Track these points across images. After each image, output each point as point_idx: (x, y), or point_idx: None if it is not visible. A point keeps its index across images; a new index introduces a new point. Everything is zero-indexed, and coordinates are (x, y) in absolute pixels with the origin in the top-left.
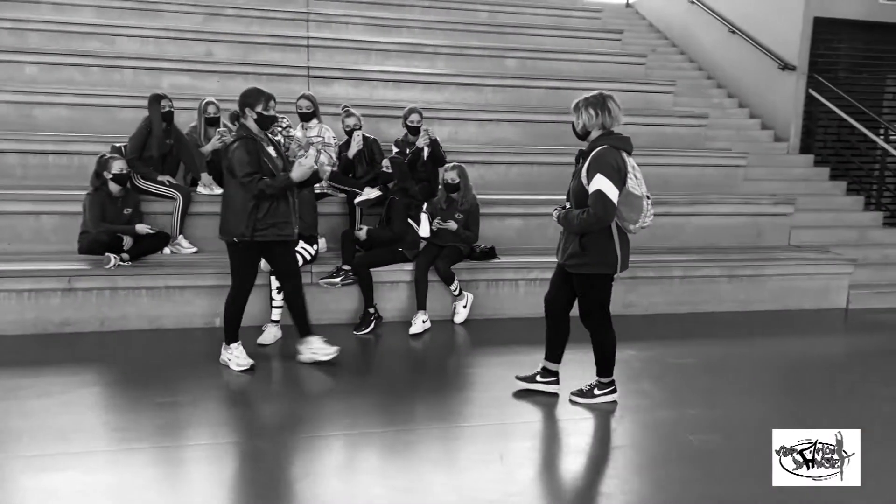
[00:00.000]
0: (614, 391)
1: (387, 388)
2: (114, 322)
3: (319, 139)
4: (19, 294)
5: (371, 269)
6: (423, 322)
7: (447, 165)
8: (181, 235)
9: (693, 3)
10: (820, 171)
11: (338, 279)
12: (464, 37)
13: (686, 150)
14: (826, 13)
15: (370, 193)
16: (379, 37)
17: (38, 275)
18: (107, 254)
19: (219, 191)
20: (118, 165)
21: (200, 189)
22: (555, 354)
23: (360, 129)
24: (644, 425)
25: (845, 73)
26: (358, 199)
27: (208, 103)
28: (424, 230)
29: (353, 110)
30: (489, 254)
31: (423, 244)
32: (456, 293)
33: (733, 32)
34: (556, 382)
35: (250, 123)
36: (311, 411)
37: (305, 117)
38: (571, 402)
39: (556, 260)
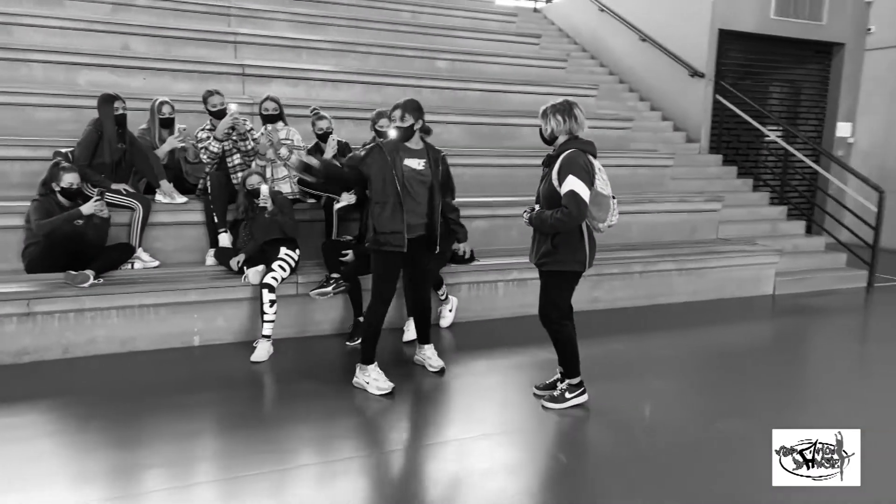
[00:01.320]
0: (584, 391)
1: (425, 399)
2: (79, 347)
3: (289, 141)
4: None
5: (359, 277)
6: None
7: None
8: (140, 248)
9: (603, 10)
10: (729, 169)
11: (329, 288)
12: (392, 36)
13: (614, 151)
14: (728, 26)
15: (349, 199)
16: (307, 34)
17: None
18: (83, 271)
19: (180, 199)
20: (69, 178)
21: (159, 198)
22: (573, 368)
23: (332, 132)
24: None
25: (744, 79)
26: (338, 205)
27: (162, 103)
28: None
29: (323, 113)
30: (470, 258)
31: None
32: (443, 298)
33: (644, 40)
34: (585, 391)
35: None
36: (344, 431)
37: (271, 119)
38: (544, 408)
39: (527, 260)
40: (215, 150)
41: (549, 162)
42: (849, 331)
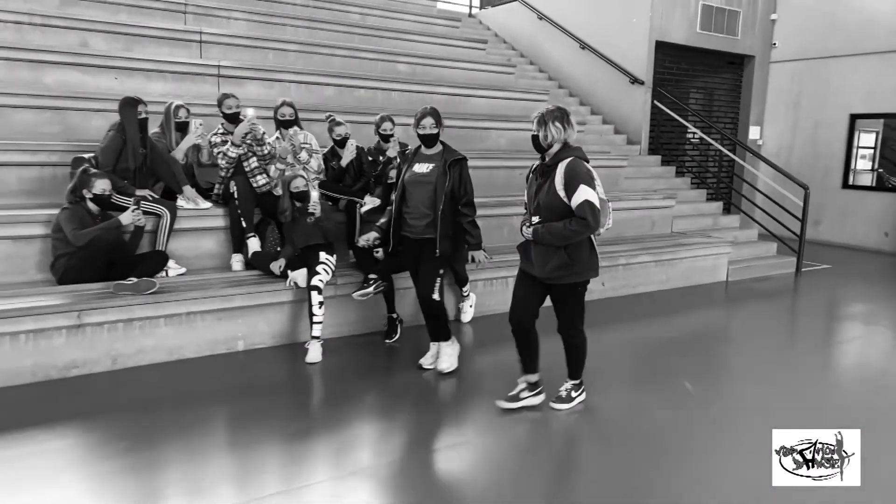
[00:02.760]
0: (584, 389)
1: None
2: (129, 358)
3: (307, 145)
4: (14, 337)
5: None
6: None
7: None
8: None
9: (542, 19)
10: (668, 169)
11: (370, 289)
12: (348, 38)
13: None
14: (663, 38)
15: (373, 202)
16: (266, 32)
17: (40, 312)
18: (145, 278)
19: (204, 204)
20: (101, 185)
21: (182, 203)
22: (534, 365)
23: (349, 137)
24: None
25: (675, 86)
26: (364, 209)
27: (178, 107)
28: None
29: (338, 118)
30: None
31: None
32: (465, 294)
33: (584, 48)
34: (542, 392)
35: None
36: (430, 420)
37: (287, 124)
38: (553, 409)
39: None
40: (233, 155)
41: (544, 171)
42: (794, 308)
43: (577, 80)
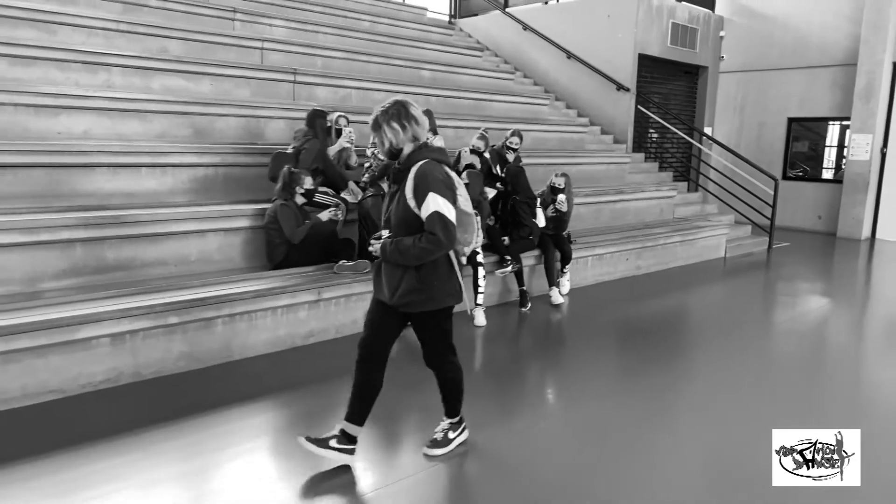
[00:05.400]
0: (465, 427)
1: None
2: (346, 327)
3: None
4: (273, 311)
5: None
6: (560, 294)
7: (557, 173)
8: None
9: (526, 30)
10: (652, 165)
11: (508, 268)
12: (376, 46)
13: (577, 152)
14: (643, 51)
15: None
16: (306, 39)
17: (293, 290)
18: (360, 260)
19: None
20: (308, 181)
21: (346, 196)
22: (361, 414)
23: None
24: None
25: (655, 93)
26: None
27: (340, 116)
28: (542, 221)
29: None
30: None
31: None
32: (565, 272)
33: (570, 58)
34: (353, 451)
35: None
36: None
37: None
38: (427, 456)
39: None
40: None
41: (397, 177)
42: (786, 274)
43: (564, 86)
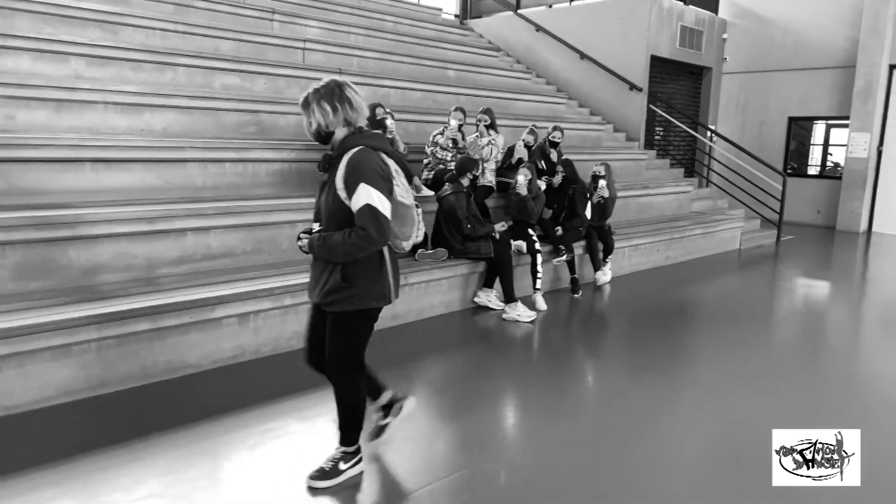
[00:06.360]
0: (360, 459)
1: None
2: (425, 311)
3: (493, 146)
4: None
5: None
6: (606, 277)
7: (598, 162)
8: None
9: (539, 31)
10: (664, 161)
11: (564, 256)
12: (407, 48)
13: (595, 149)
14: (655, 52)
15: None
16: (339, 39)
17: None
18: (439, 248)
19: (427, 192)
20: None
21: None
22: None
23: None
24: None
25: (662, 92)
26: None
27: (378, 106)
28: (589, 213)
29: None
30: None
31: None
32: (607, 261)
33: (583, 58)
34: (360, 459)
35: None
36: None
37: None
38: (311, 489)
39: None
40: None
41: (328, 165)
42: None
43: (577, 85)
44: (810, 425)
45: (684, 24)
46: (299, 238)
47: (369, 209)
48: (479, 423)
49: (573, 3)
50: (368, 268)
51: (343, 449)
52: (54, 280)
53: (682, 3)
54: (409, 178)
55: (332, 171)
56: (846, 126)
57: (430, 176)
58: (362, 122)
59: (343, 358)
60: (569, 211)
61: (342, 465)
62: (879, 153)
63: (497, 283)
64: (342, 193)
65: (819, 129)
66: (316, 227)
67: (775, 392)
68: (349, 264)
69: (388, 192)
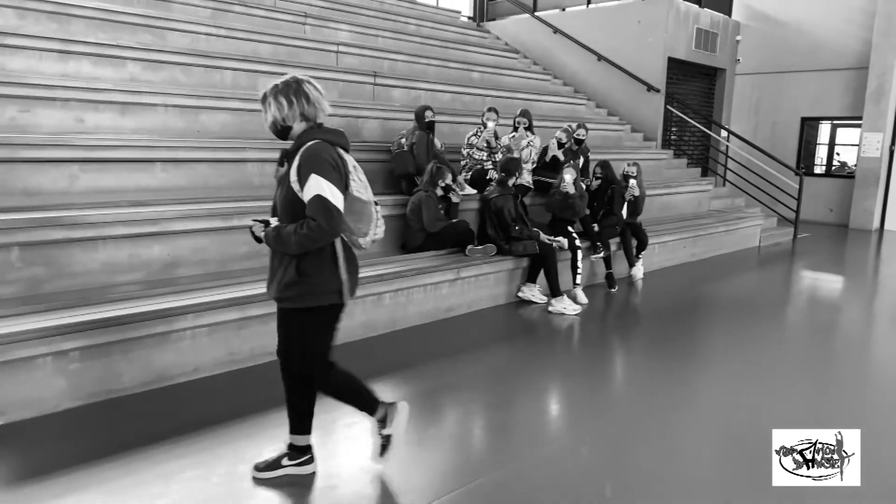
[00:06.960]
0: (308, 462)
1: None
2: (474, 303)
3: (531, 147)
4: (424, 288)
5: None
6: (641, 271)
7: (629, 162)
8: None
9: (556, 33)
10: (681, 161)
11: (601, 253)
12: (431, 50)
13: (616, 149)
14: (672, 54)
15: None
16: (371, 42)
17: (434, 270)
18: (487, 244)
19: (470, 191)
20: (449, 177)
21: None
22: (303, 424)
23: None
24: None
25: (677, 93)
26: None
27: (426, 108)
28: (624, 212)
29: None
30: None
31: None
32: (640, 257)
33: (600, 60)
34: (311, 460)
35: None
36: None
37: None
38: (255, 479)
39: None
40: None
41: (284, 159)
42: (816, 260)
43: (594, 87)
44: (814, 425)
45: (700, 27)
46: (251, 227)
47: (320, 199)
48: (528, 415)
49: (590, 7)
50: (322, 263)
51: (293, 442)
52: (142, 273)
53: (697, 6)
54: (454, 176)
55: (289, 165)
56: (852, 126)
57: (468, 176)
58: (322, 118)
59: (295, 354)
60: (606, 209)
61: (285, 461)
62: (892, 152)
63: (539, 278)
64: (295, 186)
65: (825, 129)
66: (274, 221)
67: (776, 391)
68: (303, 258)
69: (343, 186)
